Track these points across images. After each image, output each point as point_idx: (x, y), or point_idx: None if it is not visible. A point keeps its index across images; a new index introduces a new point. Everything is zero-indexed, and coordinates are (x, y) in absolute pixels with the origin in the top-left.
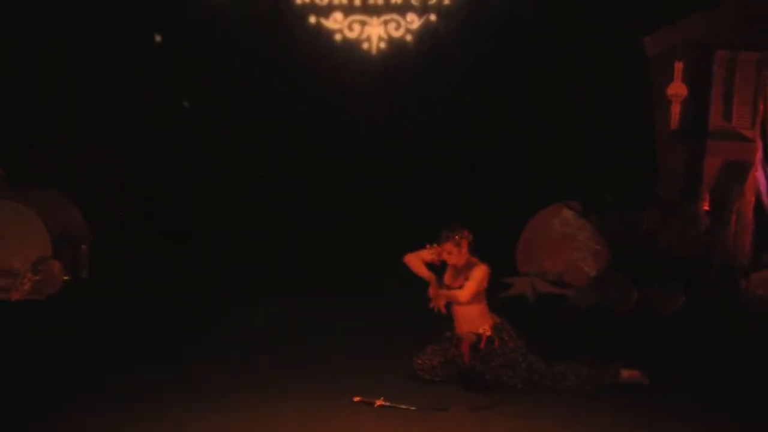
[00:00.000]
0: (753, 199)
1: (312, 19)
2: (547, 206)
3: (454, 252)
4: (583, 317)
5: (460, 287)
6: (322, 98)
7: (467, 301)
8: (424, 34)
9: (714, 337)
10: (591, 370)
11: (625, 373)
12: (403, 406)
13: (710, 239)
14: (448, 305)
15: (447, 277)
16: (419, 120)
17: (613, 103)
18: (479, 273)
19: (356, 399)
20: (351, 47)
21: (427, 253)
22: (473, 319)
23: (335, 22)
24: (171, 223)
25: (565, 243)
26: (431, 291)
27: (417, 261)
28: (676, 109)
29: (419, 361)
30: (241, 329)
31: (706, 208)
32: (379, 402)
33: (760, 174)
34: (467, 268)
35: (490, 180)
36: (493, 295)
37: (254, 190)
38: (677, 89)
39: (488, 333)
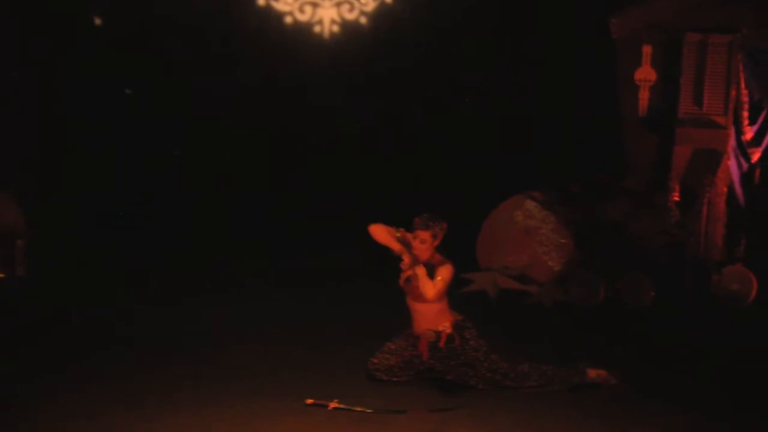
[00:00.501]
0: (725, 189)
1: (261, 1)
2: (509, 197)
3: (428, 242)
4: (547, 314)
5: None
6: (272, 83)
7: (433, 299)
8: (379, 16)
9: (685, 334)
10: (555, 370)
11: (592, 373)
12: (359, 409)
13: (681, 232)
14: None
15: (407, 272)
16: (375, 105)
17: (578, 89)
18: (448, 272)
19: (309, 401)
20: (302, 31)
21: (393, 235)
22: (433, 316)
23: (285, 4)
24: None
25: (528, 236)
26: (406, 261)
27: (385, 232)
28: (644, 95)
29: (375, 361)
30: (182, 326)
31: (676, 199)
32: (332, 404)
33: (732, 163)
34: (428, 262)
35: (447, 168)
36: (451, 291)
37: (196, 174)
38: (645, 74)
39: (448, 331)
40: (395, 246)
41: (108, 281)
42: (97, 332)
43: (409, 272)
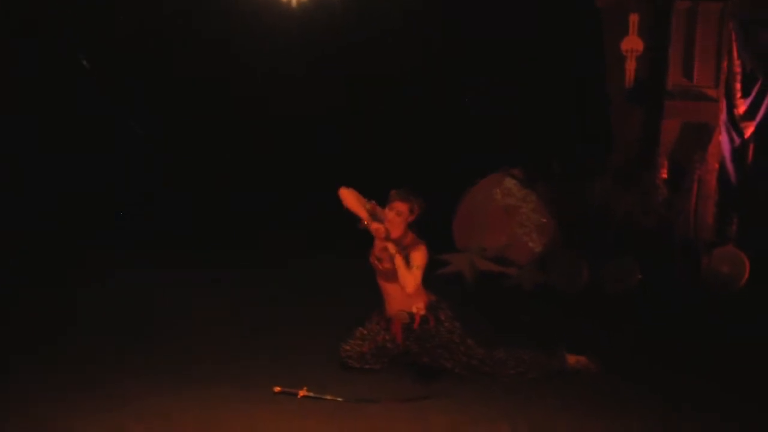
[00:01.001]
0: (716, 165)
1: None
2: (487, 174)
3: (404, 215)
4: (527, 298)
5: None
6: (236, 54)
7: (413, 291)
8: None
9: (673, 319)
10: (534, 357)
11: (571, 359)
12: (329, 397)
13: (669, 211)
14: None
15: (377, 250)
16: (344, 78)
17: (560, 61)
18: (422, 257)
19: (277, 389)
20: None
21: (364, 205)
22: (405, 297)
23: None
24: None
25: (508, 216)
26: (377, 234)
27: (355, 198)
28: (630, 67)
29: (347, 348)
30: (139, 309)
31: (664, 176)
32: (302, 392)
33: (724, 138)
34: (400, 241)
35: (423, 144)
36: (426, 273)
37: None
38: (632, 44)
39: (422, 312)
40: (363, 215)
41: (75, 266)
42: (59, 317)
43: (382, 251)
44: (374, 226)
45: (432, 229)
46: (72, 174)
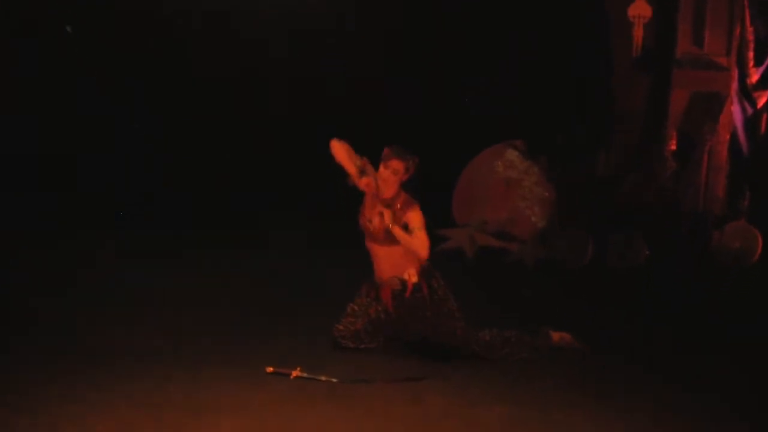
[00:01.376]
0: (728, 137)
1: None
2: (488, 146)
3: (399, 174)
4: (529, 274)
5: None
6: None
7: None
8: None
9: (681, 297)
10: (519, 336)
11: (555, 336)
12: (323, 378)
13: (678, 184)
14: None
15: (367, 205)
16: (337, 42)
17: (563, 28)
18: (420, 217)
19: (269, 369)
20: None
21: (356, 162)
22: (397, 261)
23: None
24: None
25: (509, 189)
26: (366, 188)
27: (346, 152)
28: (638, 34)
29: (340, 328)
30: (128, 290)
31: (673, 148)
32: (295, 373)
33: (736, 108)
34: (392, 202)
35: (418, 114)
36: None
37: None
38: (639, 9)
39: (414, 279)
40: (352, 170)
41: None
42: (38, 301)
43: (373, 211)
44: (365, 181)
45: (430, 203)
46: (72, 174)
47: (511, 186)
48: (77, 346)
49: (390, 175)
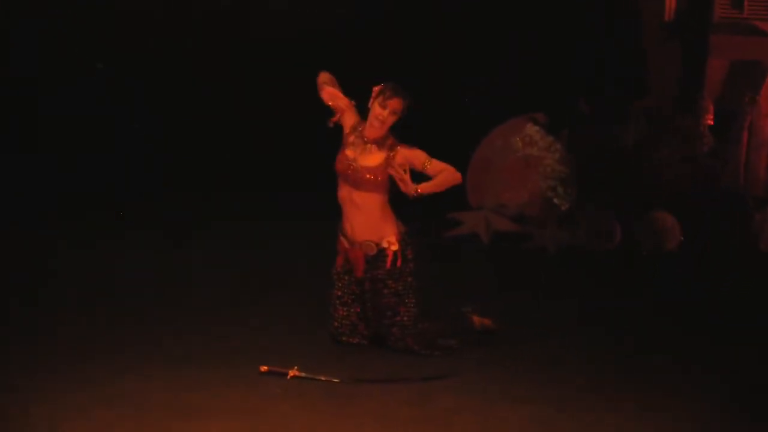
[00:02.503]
0: None
1: None
2: (506, 120)
3: (398, 114)
4: (551, 261)
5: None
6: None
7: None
8: None
9: (718, 285)
10: (443, 324)
11: (476, 321)
12: (323, 378)
13: (715, 162)
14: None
15: (349, 148)
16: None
17: (563, 28)
18: (418, 150)
19: (263, 368)
20: None
21: (342, 101)
22: (376, 221)
23: None
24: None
25: (529, 167)
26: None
27: (333, 85)
28: None
29: (336, 324)
30: (108, 278)
31: (710, 122)
32: (292, 372)
33: None
34: (379, 144)
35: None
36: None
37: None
38: None
39: (395, 246)
40: (339, 105)
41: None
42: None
43: (365, 155)
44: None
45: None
46: (72, 174)
47: (531, 164)
48: (54, 345)
49: (388, 115)
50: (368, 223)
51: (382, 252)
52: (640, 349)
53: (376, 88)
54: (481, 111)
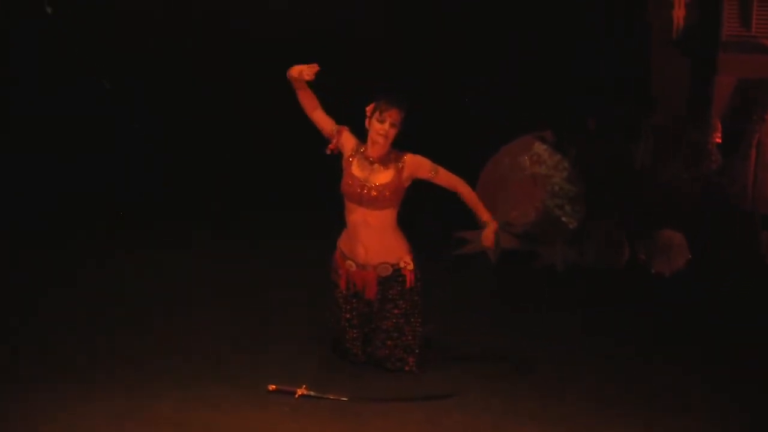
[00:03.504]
0: None
1: None
2: (514, 138)
3: (398, 125)
4: (559, 279)
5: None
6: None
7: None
8: None
9: (725, 305)
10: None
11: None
12: (332, 397)
13: (723, 180)
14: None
15: (355, 169)
16: (336, 42)
17: (597, 5)
18: (423, 158)
19: (271, 387)
20: None
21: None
22: (390, 241)
23: None
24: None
25: (537, 186)
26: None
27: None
28: (679, 14)
29: (348, 345)
30: (108, 293)
31: (718, 140)
32: (300, 391)
33: None
34: (384, 162)
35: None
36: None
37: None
38: None
39: (410, 266)
40: (329, 129)
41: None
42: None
43: (372, 175)
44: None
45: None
46: (72, 174)
47: (539, 183)
48: (55, 357)
49: (389, 128)
50: (383, 243)
51: (396, 272)
52: (647, 366)
53: (368, 107)
54: (481, 111)
